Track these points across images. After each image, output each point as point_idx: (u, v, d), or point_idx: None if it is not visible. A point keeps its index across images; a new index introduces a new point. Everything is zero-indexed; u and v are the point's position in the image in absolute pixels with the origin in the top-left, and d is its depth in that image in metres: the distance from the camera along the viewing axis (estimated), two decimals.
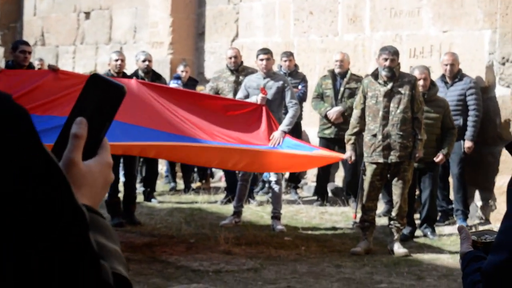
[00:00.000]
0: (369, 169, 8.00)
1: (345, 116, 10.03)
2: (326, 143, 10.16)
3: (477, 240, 1.92)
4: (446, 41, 10.01)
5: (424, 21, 10.28)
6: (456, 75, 9.26)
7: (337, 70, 10.27)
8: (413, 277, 7.01)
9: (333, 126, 10.22)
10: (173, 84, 10.73)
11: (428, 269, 7.30)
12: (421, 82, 8.47)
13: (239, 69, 10.18)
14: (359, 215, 8.24)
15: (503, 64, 9.40)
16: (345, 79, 10.23)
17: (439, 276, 7.04)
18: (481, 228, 8.48)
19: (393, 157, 7.88)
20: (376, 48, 10.48)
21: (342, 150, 9.18)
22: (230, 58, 10.28)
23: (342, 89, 10.22)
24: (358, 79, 10.16)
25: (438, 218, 9.13)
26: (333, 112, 10.14)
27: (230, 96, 9.64)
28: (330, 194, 10.83)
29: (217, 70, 11.21)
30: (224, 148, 8.19)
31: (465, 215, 9.13)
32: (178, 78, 11.20)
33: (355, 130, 8.17)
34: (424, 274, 7.10)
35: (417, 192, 8.97)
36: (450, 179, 9.33)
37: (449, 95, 9.11)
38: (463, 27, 9.84)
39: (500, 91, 9.43)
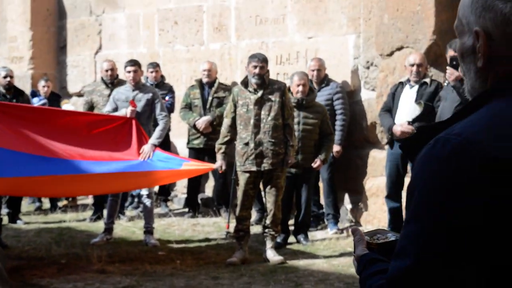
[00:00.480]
0: (242, 178, 7.93)
1: (214, 125, 9.95)
2: (196, 153, 10.05)
3: (371, 242, 1.85)
4: (312, 47, 10.12)
5: (289, 28, 10.36)
6: (323, 80, 9.37)
7: (204, 80, 10.18)
8: (291, 284, 6.97)
9: (202, 136, 10.11)
10: (39, 102, 10.37)
11: (305, 275, 7.29)
12: (300, 88, 8.52)
13: (114, 82, 9.91)
14: (232, 225, 8.15)
15: (368, 68, 9.58)
16: (213, 88, 10.14)
17: (316, 281, 7.04)
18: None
19: (265, 164, 7.85)
20: (243, 56, 10.47)
21: (212, 159, 9.10)
22: (106, 71, 10.02)
23: (210, 98, 10.13)
24: (226, 88, 10.11)
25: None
26: (202, 121, 10.04)
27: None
28: (201, 205, 10.70)
29: (91, 83, 10.88)
30: (94, 178, 7.97)
31: (336, 219, 9.23)
32: (34, 94, 10.85)
33: (226, 139, 8.09)
34: (301, 281, 7.08)
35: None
36: (320, 184, 9.40)
37: (317, 100, 9.18)
38: (327, 33, 9.97)
39: (365, 95, 9.61)
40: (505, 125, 1.52)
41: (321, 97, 9.22)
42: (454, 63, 7.37)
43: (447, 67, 7.45)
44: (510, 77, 1.59)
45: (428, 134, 1.66)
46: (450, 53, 7.49)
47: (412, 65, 8.27)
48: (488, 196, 1.46)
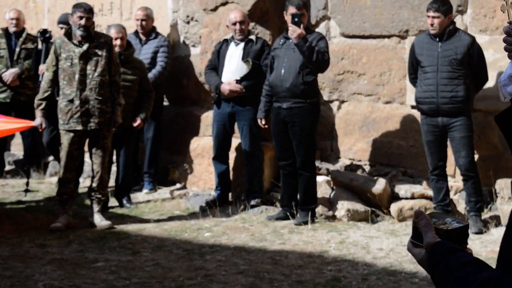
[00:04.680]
0: (66, 138, 7.35)
1: (22, 78, 9.18)
2: (2, 108, 9.20)
3: (440, 228, 1.65)
4: None
5: None
6: (150, 32, 8.91)
7: (11, 29, 9.34)
8: (127, 251, 6.58)
9: (8, 90, 9.28)
10: None
11: (139, 241, 6.93)
12: (118, 42, 7.98)
13: None
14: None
15: (188, 23, 9.25)
16: (21, 39, 9.32)
17: (152, 248, 6.70)
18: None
19: (92, 124, 7.33)
20: (50, 4, 9.72)
21: (19, 115, 8.41)
22: None
23: (18, 49, 9.30)
24: (34, 39, 9.32)
25: None
26: (9, 74, 9.21)
27: None
28: (8, 165, 9.90)
29: None
30: None
31: (154, 179, 8.89)
32: None
33: (46, 94, 7.44)
34: (137, 248, 6.71)
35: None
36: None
37: (143, 53, 8.73)
38: None
39: (185, 51, 9.28)
40: None
41: (148, 50, 8.78)
42: (296, 20, 7.26)
43: (290, 25, 7.31)
44: None
45: None
46: (291, 10, 7.36)
47: (234, 24, 8.07)
48: None
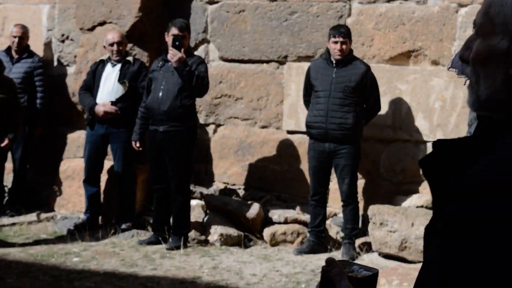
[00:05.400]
0: None
1: None
2: None
3: (353, 276, 1.58)
4: (0, 14, 9.23)
5: None
6: (24, 50, 8.58)
7: None
8: None
9: None
10: None
11: (3, 267, 6.59)
12: None
13: None
14: None
15: (63, 41, 8.99)
16: None
17: (17, 274, 6.39)
18: None
19: None
20: None
21: None
22: None
23: None
24: None
25: None
26: None
27: None
28: None
29: None
30: None
31: (17, 202, 8.52)
32: None
33: None
34: (1, 274, 6.38)
35: None
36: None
37: (14, 71, 8.39)
38: (18, 0, 9.16)
39: (59, 70, 9.01)
40: None
41: (19, 69, 8.45)
42: (177, 43, 7.13)
43: (170, 48, 7.18)
44: None
45: (451, 151, 1.39)
46: (174, 31, 7.24)
47: (111, 44, 7.89)
48: None
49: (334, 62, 7.12)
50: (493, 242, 1.23)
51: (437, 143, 1.56)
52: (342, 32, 7.08)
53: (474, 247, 1.25)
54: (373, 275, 1.60)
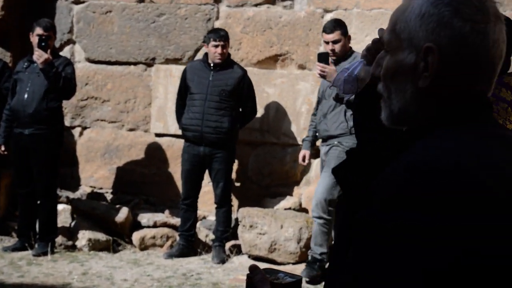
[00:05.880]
0: None
1: None
2: None
3: (277, 283, 1.64)
4: None
5: None
6: None
7: None
8: None
9: None
10: None
11: None
12: None
13: None
14: None
15: None
16: None
17: None
18: None
19: None
20: None
21: None
22: None
23: None
24: None
25: None
26: None
27: None
28: None
29: None
30: None
31: None
32: None
33: None
34: None
35: None
36: None
37: None
38: None
39: None
40: (480, 154, 1.38)
41: None
42: (43, 44, 6.94)
43: (36, 49, 6.97)
44: (458, 100, 1.46)
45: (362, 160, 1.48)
46: (38, 31, 7.03)
47: None
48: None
49: (212, 65, 7.13)
50: (373, 247, 1.32)
51: (350, 152, 1.62)
52: (222, 35, 7.10)
53: (365, 251, 1.33)
54: (297, 281, 1.66)
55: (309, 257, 6.64)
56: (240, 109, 7.24)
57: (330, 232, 6.61)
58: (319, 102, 6.83)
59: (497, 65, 1.48)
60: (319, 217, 6.53)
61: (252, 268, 1.66)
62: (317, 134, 6.86)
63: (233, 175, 7.73)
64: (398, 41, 1.50)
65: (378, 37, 2.04)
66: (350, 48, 6.67)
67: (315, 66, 6.48)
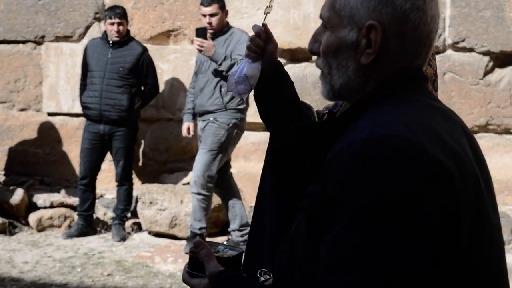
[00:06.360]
0: None
1: None
2: None
3: (220, 256, 1.68)
4: None
5: None
6: None
7: None
8: None
9: None
10: None
11: None
12: None
13: None
14: None
15: None
16: None
17: None
18: None
19: None
20: None
21: None
22: None
23: None
24: None
25: None
26: None
27: None
28: None
29: None
30: None
31: None
32: None
33: None
34: None
35: None
36: None
37: None
38: None
39: None
40: (423, 126, 1.43)
41: None
42: None
43: None
44: (400, 76, 1.52)
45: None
46: None
47: None
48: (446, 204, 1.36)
49: (110, 42, 7.05)
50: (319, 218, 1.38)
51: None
52: (118, 13, 7.03)
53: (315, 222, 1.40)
54: (239, 254, 1.71)
55: (189, 232, 6.68)
56: (142, 87, 7.21)
57: (209, 208, 6.67)
58: (196, 76, 6.82)
59: (433, 40, 1.54)
60: (198, 193, 6.57)
61: (197, 243, 1.68)
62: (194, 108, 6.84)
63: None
64: (338, 18, 1.53)
65: (256, 31, 2.15)
66: (227, 23, 6.69)
67: (194, 41, 6.51)
